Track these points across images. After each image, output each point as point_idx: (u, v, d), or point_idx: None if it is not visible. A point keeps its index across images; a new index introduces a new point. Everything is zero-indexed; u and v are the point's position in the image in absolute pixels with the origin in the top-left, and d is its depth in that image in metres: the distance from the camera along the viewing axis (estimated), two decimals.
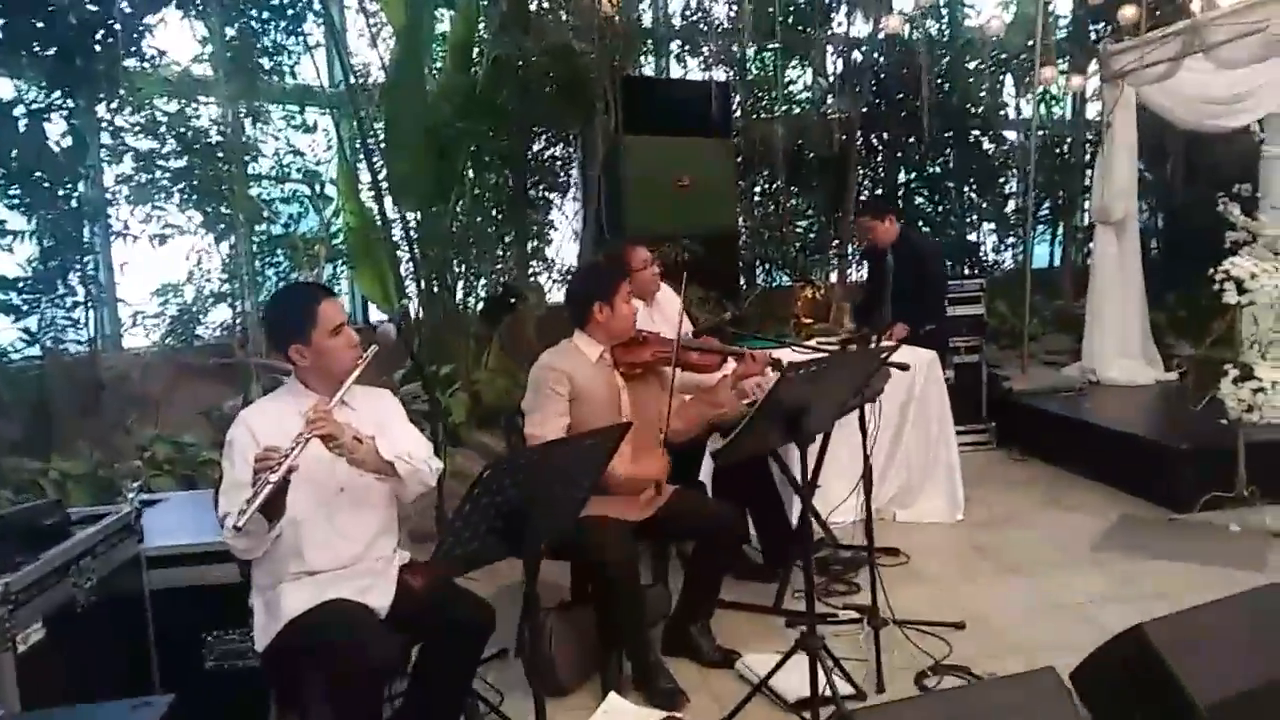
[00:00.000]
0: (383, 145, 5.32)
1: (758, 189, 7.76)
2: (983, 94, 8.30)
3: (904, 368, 3.24)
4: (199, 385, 4.78)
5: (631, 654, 3.10)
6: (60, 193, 3.99)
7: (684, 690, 3.04)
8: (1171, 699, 2.34)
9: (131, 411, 4.52)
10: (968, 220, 8.32)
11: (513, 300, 5.38)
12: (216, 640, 2.83)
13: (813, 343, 3.72)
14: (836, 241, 7.75)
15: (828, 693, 2.83)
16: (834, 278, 8.00)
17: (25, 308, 3.92)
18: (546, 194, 6.39)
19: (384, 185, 5.29)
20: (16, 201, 3.92)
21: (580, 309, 3.28)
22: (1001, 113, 8.22)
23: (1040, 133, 6.93)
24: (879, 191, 8.19)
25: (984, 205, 8.37)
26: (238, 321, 4.85)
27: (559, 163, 6.51)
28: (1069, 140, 8.56)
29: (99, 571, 2.53)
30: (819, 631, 3.41)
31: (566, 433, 3.14)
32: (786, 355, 3.40)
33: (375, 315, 5.91)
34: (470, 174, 5.65)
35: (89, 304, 4.07)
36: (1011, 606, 3.66)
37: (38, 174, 3.81)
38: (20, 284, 3.92)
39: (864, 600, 3.67)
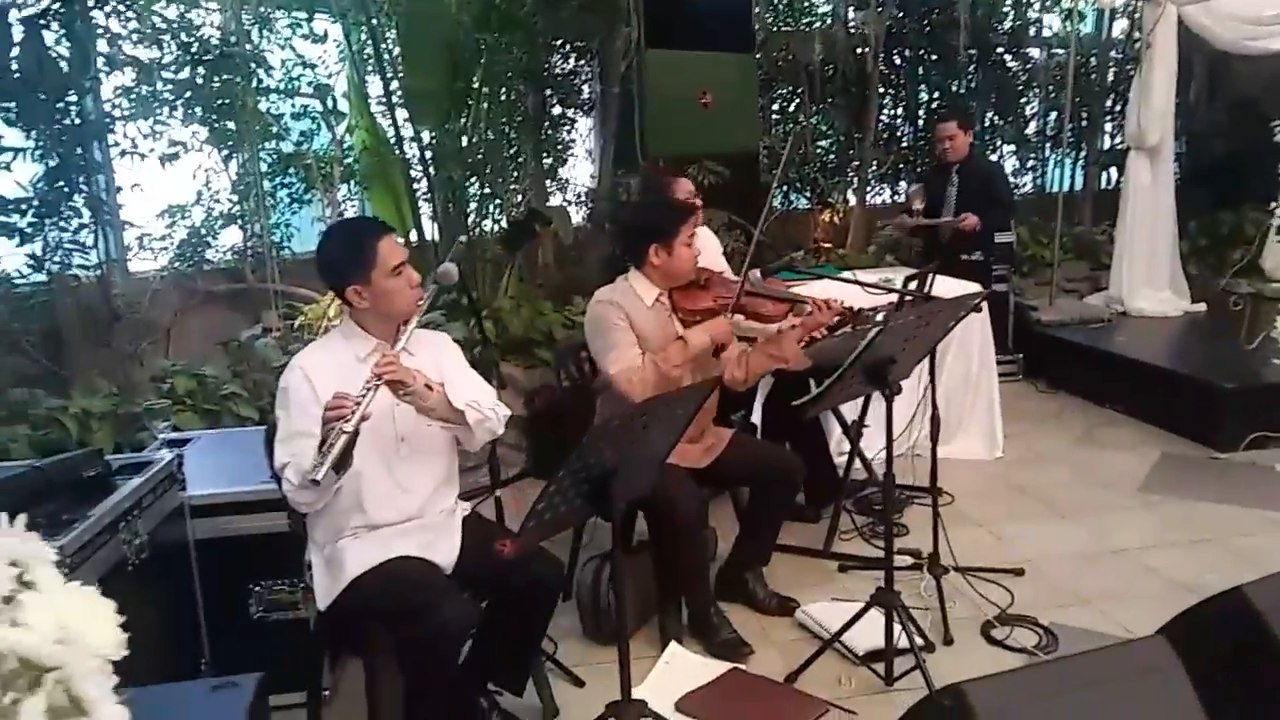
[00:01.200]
0: (396, 58, 5.01)
1: (776, 108, 7.47)
2: (1007, 9, 7.99)
3: (978, 309, 3.07)
4: (210, 312, 4.57)
5: (692, 602, 3.01)
6: (60, 106, 3.70)
7: (747, 642, 2.95)
8: (1276, 665, 2.27)
9: (142, 340, 4.31)
10: (990, 143, 8.07)
11: (536, 225, 5.14)
12: (264, 590, 2.69)
13: (874, 279, 3.55)
14: (857, 163, 7.50)
15: (899, 644, 2.76)
16: (853, 200, 7.77)
17: (29, 230, 3.66)
18: (565, 111, 6.09)
19: (397, 101, 4.99)
20: (14, 117, 3.63)
21: (635, 249, 3.08)
22: (1031, 29, 7.90)
23: (1065, 51, 6.65)
24: (899, 111, 7.91)
25: (1005, 128, 8.11)
26: (249, 245, 4.61)
27: (578, 78, 6.19)
28: (1094, 60, 8.27)
29: (147, 525, 2.38)
30: (874, 576, 3.38)
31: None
32: (849, 291, 3.25)
33: None
34: (486, 90, 5.34)
35: (100, 226, 3.81)
36: (1064, 551, 3.59)
37: (36, 86, 3.51)
38: (22, 205, 3.65)
39: (913, 541, 3.61)
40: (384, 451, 2.40)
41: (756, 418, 3.72)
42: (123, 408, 3.38)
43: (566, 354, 3.37)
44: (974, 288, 4.67)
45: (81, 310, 3.84)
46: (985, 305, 4.75)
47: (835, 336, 3.56)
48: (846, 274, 4.75)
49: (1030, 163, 8.36)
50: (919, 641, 2.84)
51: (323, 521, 2.40)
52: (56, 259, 3.80)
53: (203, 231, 4.48)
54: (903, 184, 7.69)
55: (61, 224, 3.79)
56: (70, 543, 2.00)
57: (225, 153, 4.43)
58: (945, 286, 4.45)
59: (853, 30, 7.13)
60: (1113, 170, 8.23)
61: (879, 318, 3.38)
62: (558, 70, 6.14)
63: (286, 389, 2.36)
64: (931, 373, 3.14)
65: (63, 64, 3.48)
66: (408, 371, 2.25)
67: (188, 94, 4.26)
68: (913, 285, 3.45)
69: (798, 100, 7.28)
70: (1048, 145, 8.21)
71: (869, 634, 2.83)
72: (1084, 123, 8.25)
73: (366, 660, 2.37)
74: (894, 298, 3.32)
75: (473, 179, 5.32)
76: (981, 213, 5.07)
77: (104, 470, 2.36)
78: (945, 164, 5.29)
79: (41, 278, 3.79)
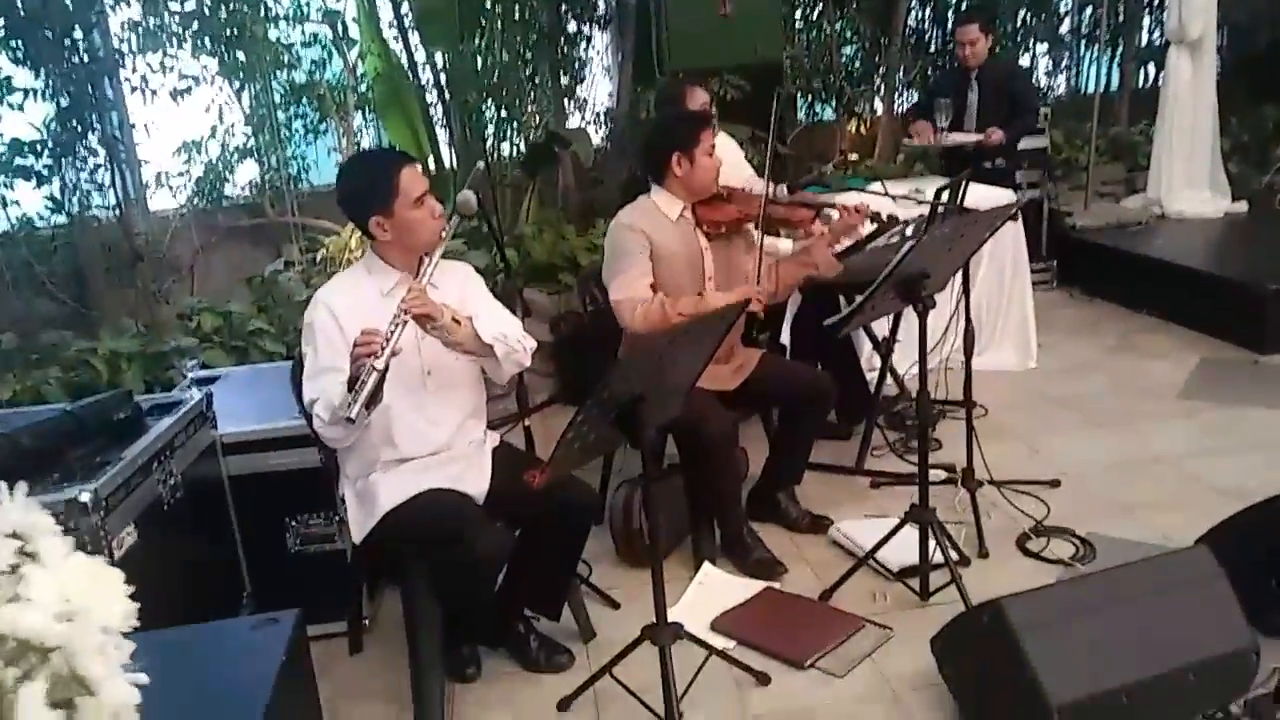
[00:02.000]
0: None
1: (798, 14, 7.20)
2: None
3: (1014, 218, 2.97)
4: (232, 248, 4.54)
5: (725, 523, 3.01)
6: (68, 43, 3.63)
7: (780, 560, 2.95)
8: None
9: (167, 278, 4.31)
10: (1021, 43, 7.76)
11: (556, 148, 5.04)
12: (300, 524, 2.72)
13: (905, 190, 3.44)
14: (883, 70, 7.25)
15: (934, 559, 2.75)
16: (879, 109, 7.54)
17: (45, 172, 3.63)
18: (581, 26, 5.90)
19: (409, 24, 4.85)
20: (22, 56, 3.57)
21: (657, 162, 3.01)
22: None
23: None
24: (929, 12, 7.61)
25: (1037, 26, 7.78)
26: (266, 178, 4.55)
27: None
28: None
29: (180, 465, 2.39)
30: (908, 491, 3.36)
31: (651, 293, 2.94)
32: (881, 203, 3.14)
33: None
34: (499, 8, 5.18)
35: (116, 165, 3.77)
36: (1103, 461, 3.54)
37: (42, 23, 3.44)
38: (37, 146, 3.61)
39: (948, 455, 3.58)
40: (411, 385, 2.39)
41: (785, 338, 3.66)
42: (151, 347, 3.39)
43: (587, 279, 3.31)
44: (1007, 195, 4.55)
45: (104, 251, 3.83)
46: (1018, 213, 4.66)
47: (868, 248, 3.50)
48: (876, 185, 4.63)
49: (1064, 62, 8.03)
50: (954, 556, 2.84)
51: (354, 456, 2.41)
52: (75, 200, 3.78)
53: (220, 167, 4.42)
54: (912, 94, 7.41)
55: (78, 164, 3.75)
56: (105, 485, 2.02)
57: (237, 85, 4.34)
58: (977, 195, 4.34)
59: None
60: (1150, 67, 7.91)
61: (910, 227, 3.32)
62: None
63: (312, 324, 2.35)
64: (965, 284, 3.05)
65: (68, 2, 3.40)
66: (435, 305, 2.22)
67: (195, 25, 4.15)
68: (944, 195, 3.34)
69: (821, 6, 7.01)
70: (1083, 43, 7.87)
71: (903, 550, 2.82)
72: (1120, 18, 7.90)
73: (404, 590, 2.40)
74: (925, 209, 3.21)
75: (489, 102, 5.20)
76: (1006, 121, 4.88)
77: (135, 412, 2.37)
78: (964, 70, 5.06)
79: (62, 220, 3.77)
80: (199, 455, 2.52)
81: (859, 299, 2.39)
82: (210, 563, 2.57)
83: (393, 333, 2.12)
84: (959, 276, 3.07)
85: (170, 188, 4.36)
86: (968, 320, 3.08)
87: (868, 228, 3.13)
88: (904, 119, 5.32)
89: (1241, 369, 4.31)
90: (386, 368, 2.11)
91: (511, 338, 2.38)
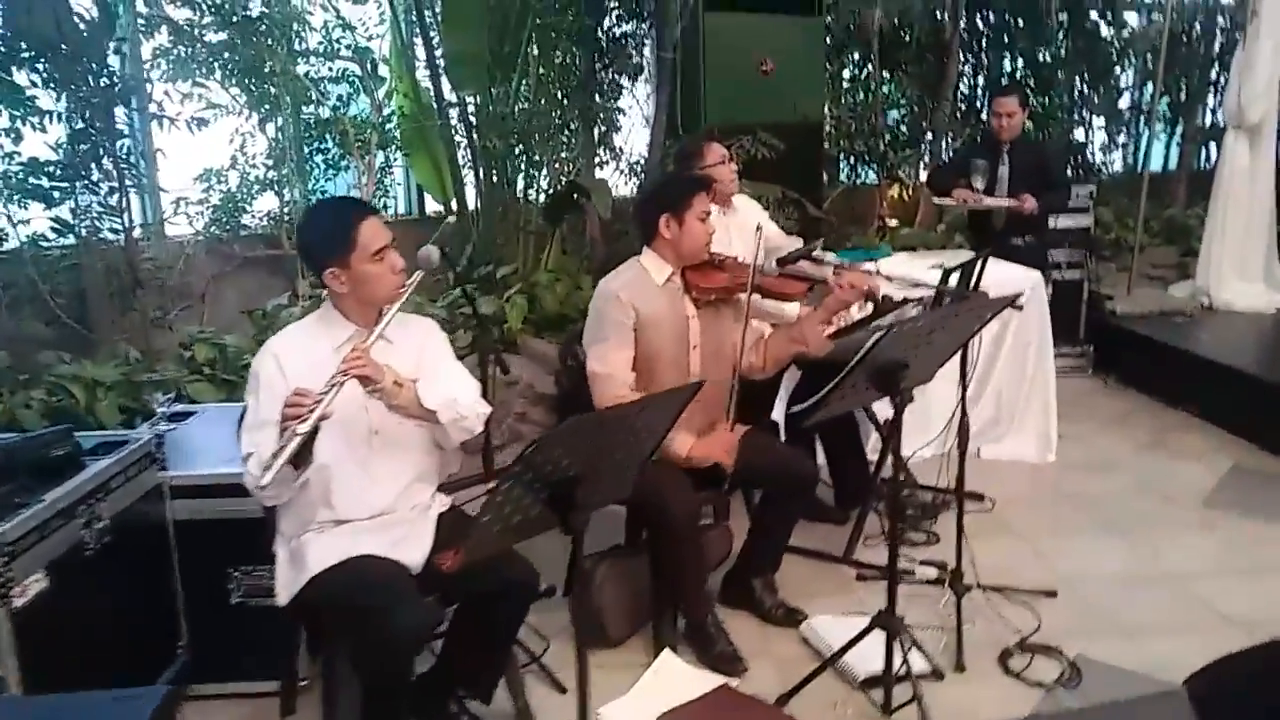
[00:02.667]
0: (440, 20, 4.88)
1: (846, 74, 7.11)
2: None
3: (1018, 307, 2.81)
4: (247, 279, 4.55)
5: (688, 610, 2.86)
6: (92, 67, 3.67)
7: (743, 656, 2.79)
8: None
9: (176, 305, 4.32)
10: (1076, 116, 7.56)
11: (576, 196, 4.99)
12: (244, 575, 2.63)
13: (931, 262, 3.29)
14: (930, 135, 7.11)
15: (903, 670, 2.57)
16: (924, 175, 7.39)
17: (57, 195, 3.66)
18: (617, 77, 5.88)
19: (441, 65, 4.86)
20: (45, 77, 3.62)
21: (647, 222, 2.91)
22: None
23: (1167, 16, 6.13)
24: (981, 80, 7.46)
25: (1095, 100, 7.58)
26: (285, 210, 4.56)
27: (631, 42, 5.96)
28: (1198, 27, 7.65)
29: (113, 508, 2.33)
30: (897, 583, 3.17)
31: (632, 366, 2.83)
32: (881, 277, 3.00)
33: (431, 206, 5.56)
34: (535, 53, 5.18)
35: (124, 190, 3.79)
36: (1108, 571, 3.32)
37: (56, 47, 3.49)
38: (51, 168, 3.65)
39: (943, 552, 3.38)
40: (355, 444, 2.30)
41: (778, 415, 3.51)
42: (136, 375, 3.37)
43: (572, 340, 3.22)
44: (1032, 277, 4.37)
45: (109, 274, 3.84)
46: (1045, 295, 4.45)
47: (870, 327, 3.35)
48: (886, 260, 4.47)
49: (1121, 138, 7.80)
50: (924, 668, 2.65)
51: (290, 513, 2.32)
52: (86, 223, 3.80)
53: (238, 197, 4.45)
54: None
55: (92, 188, 3.78)
56: (12, 529, 1.96)
57: (260, 117, 4.37)
58: (998, 275, 4.16)
59: None
60: (1212, 148, 7.65)
61: (915, 308, 3.17)
62: (614, 33, 5.92)
63: (258, 374, 2.28)
64: (962, 372, 2.88)
65: (82, 25, 3.44)
66: (377, 367, 2.15)
67: (225, 55, 4.19)
68: (953, 277, 3.19)
69: (869, 67, 6.91)
70: (1141, 120, 7.65)
71: (872, 656, 2.64)
72: (1183, 96, 7.67)
73: (323, 659, 2.29)
74: (930, 287, 3.05)
75: (519, 147, 5.17)
76: (1036, 195, 4.72)
77: (74, 449, 2.32)
78: (996, 141, 4.90)
79: (70, 241, 3.80)
80: (140, 498, 2.45)
81: (825, 389, 2.24)
82: (141, 612, 2.49)
83: (325, 394, 2.03)
84: (965, 360, 2.90)
85: (188, 215, 4.38)
86: (963, 411, 2.90)
87: (865, 308, 3.00)
88: (931, 178, 5.19)
89: (1276, 480, 4.04)
90: (316, 431, 2.03)
91: (463, 404, 2.29)
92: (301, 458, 2.08)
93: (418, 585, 2.23)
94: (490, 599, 2.27)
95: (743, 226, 3.81)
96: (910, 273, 2.96)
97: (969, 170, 4.83)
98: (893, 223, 7.02)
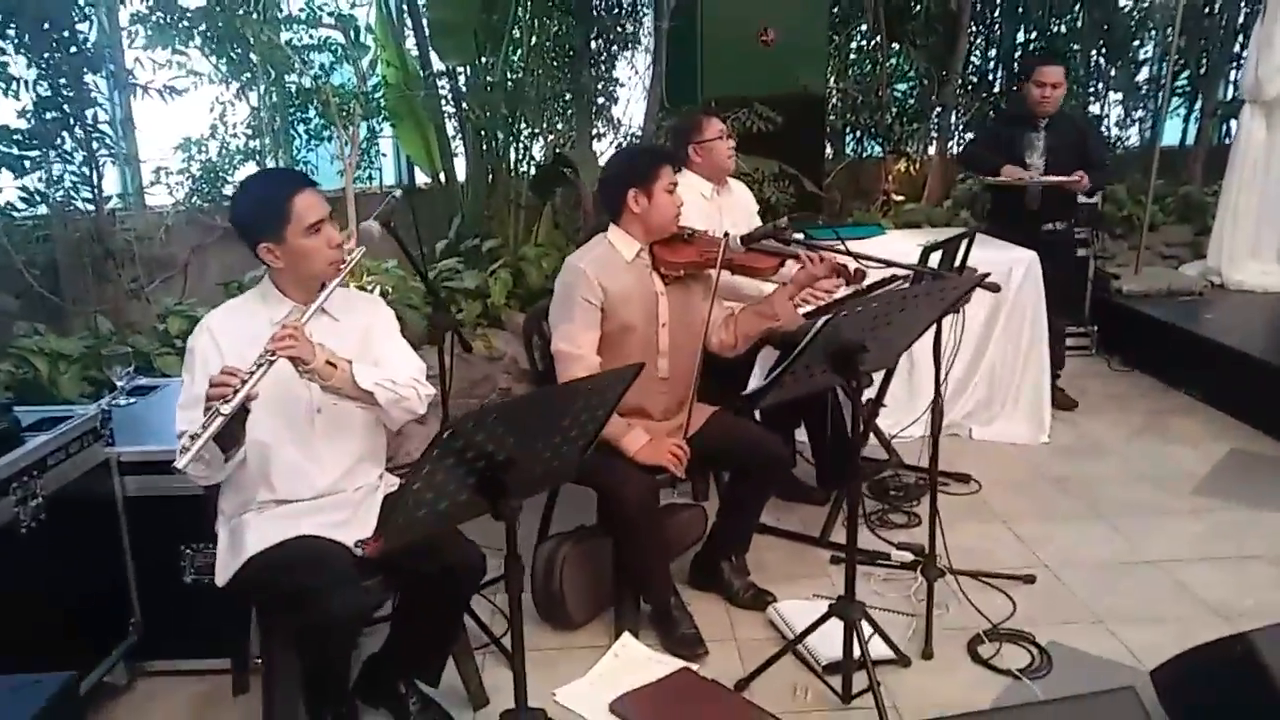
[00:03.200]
0: None
1: (853, 45, 6.93)
2: None
3: (994, 289, 2.70)
4: (227, 250, 4.49)
5: (647, 595, 2.80)
6: (65, 35, 3.61)
7: (704, 640, 2.73)
8: None
9: (157, 276, 4.28)
10: (1092, 90, 7.34)
11: (564, 170, 4.89)
12: (196, 552, 2.59)
13: (921, 240, 3.17)
14: (939, 109, 6.92)
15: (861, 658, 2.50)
16: (932, 150, 7.22)
17: (27, 164, 3.61)
18: (612, 47, 5.75)
19: (428, 33, 4.77)
20: (18, 42, 3.56)
21: (613, 197, 2.83)
22: None
23: None
24: (993, 52, 7.26)
25: (1111, 73, 7.36)
26: None
27: (627, 11, 5.82)
28: (1219, 1, 7.40)
29: (51, 485, 2.29)
30: (869, 572, 3.11)
31: (598, 345, 2.76)
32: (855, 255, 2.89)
33: (421, 179, 5.48)
34: (528, 21, 5.06)
35: (95, 159, 3.74)
36: (1089, 557, 3.23)
37: (23, 10, 3.43)
38: (20, 136, 3.60)
39: (923, 533, 3.29)
40: (296, 422, 2.25)
41: (753, 387, 3.42)
42: (105, 348, 3.33)
43: (537, 317, 3.14)
44: (1025, 255, 4.24)
45: (79, 245, 3.80)
46: (1041, 273, 4.26)
47: (840, 303, 3.25)
48: (876, 237, 4.36)
49: (1138, 113, 7.58)
50: (888, 655, 2.59)
51: (230, 493, 2.28)
52: (59, 194, 3.76)
53: (219, 167, 4.38)
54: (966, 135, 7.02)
55: (65, 156, 3.73)
56: None
57: (240, 85, 4.30)
58: (988, 254, 4.04)
59: None
60: (1232, 124, 7.41)
61: (899, 286, 3.06)
62: (611, 2, 5.78)
63: (193, 350, 2.23)
64: (936, 355, 2.78)
65: None
66: (308, 345, 2.08)
67: (203, 25, 4.12)
68: (935, 257, 3.07)
69: (876, 39, 6.73)
70: (1159, 94, 7.42)
71: (835, 641, 2.57)
72: (1202, 70, 7.43)
73: (263, 641, 2.25)
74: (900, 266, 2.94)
75: (508, 118, 5.07)
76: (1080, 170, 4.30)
77: (11, 425, 2.28)
78: (1033, 115, 4.44)
79: (43, 211, 3.76)
80: (84, 474, 2.41)
81: (775, 371, 2.16)
82: (89, 589, 2.46)
83: (252, 374, 1.97)
84: (950, 338, 2.79)
85: (168, 185, 4.32)
86: (937, 394, 2.81)
87: (848, 288, 2.91)
88: (972, 158, 4.77)
89: (1272, 465, 3.92)
90: (244, 412, 1.98)
91: (402, 383, 2.22)
92: (230, 438, 2.03)
93: (360, 568, 2.17)
94: (433, 582, 2.21)
95: (734, 207, 3.72)
96: (884, 252, 2.85)
97: (1012, 145, 4.44)
98: (898, 198, 6.87)
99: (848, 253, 2.72)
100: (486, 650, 2.74)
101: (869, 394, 3.65)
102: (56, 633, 2.33)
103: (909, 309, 2.26)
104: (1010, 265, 4.15)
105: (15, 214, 3.72)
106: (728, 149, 3.61)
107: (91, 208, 3.83)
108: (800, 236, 2.92)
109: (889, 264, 2.78)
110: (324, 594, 2.03)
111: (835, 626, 2.53)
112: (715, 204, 3.57)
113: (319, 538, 2.19)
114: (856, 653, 2.43)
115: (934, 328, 2.67)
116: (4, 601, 2.13)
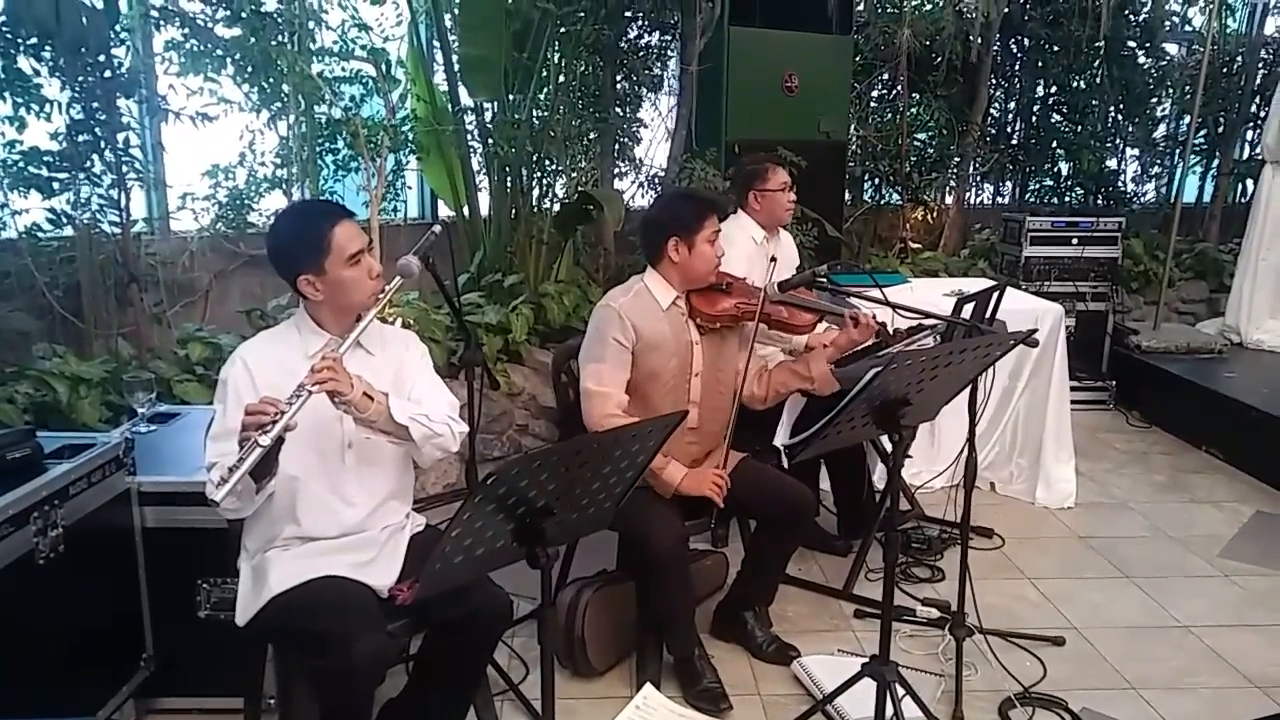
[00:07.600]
0: (458, 25, 4.80)
1: (875, 93, 6.97)
2: None
3: (1033, 344, 2.67)
4: (254, 277, 4.48)
5: (672, 645, 2.73)
6: (97, 59, 3.61)
7: (728, 694, 2.66)
8: None
9: (178, 301, 4.26)
10: (1108, 145, 7.37)
11: (590, 207, 4.88)
12: (213, 587, 2.54)
13: (945, 290, 3.15)
14: (958, 159, 6.94)
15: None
16: (949, 199, 7.23)
17: (56, 185, 3.60)
18: (638, 89, 5.78)
19: (458, 69, 4.78)
20: (50, 66, 3.56)
21: (653, 242, 2.80)
22: (1166, 24, 7.13)
23: (1207, 49, 5.94)
24: (1013, 105, 7.30)
25: (1129, 129, 7.39)
26: None
27: (655, 54, 5.86)
28: (1240, 60, 7.45)
29: (72, 514, 2.24)
30: (895, 628, 3.03)
31: (627, 387, 2.72)
32: (887, 306, 2.86)
33: (444, 212, 5.48)
34: (557, 61, 5.08)
35: (123, 183, 3.72)
36: (1118, 620, 3.17)
37: (55, 37, 3.43)
38: (51, 158, 3.59)
39: (947, 589, 3.25)
40: (327, 458, 2.20)
41: (780, 439, 3.38)
42: (129, 373, 3.29)
43: (567, 355, 3.11)
44: (1053, 308, 4.23)
45: (103, 268, 3.78)
46: (1070, 321, 4.26)
47: (871, 356, 3.22)
48: (901, 285, 4.34)
49: (1154, 169, 7.61)
50: (918, 717, 2.51)
51: (255, 528, 2.23)
52: (86, 216, 3.74)
53: (246, 194, 4.38)
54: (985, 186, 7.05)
55: (94, 179, 3.72)
56: None
57: (270, 114, 4.30)
58: (1017, 305, 4.03)
59: (964, 14, 6.54)
60: (1249, 182, 7.44)
61: (929, 337, 3.03)
62: (639, 45, 5.82)
63: (226, 381, 2.19)
64: (971, 409, 2.75)
65: (83, 14, 3.37)
66: (345, 377, 2.04)
67: (238, 54, 4.13)
68: (967, 308, 3.05)
69: (897, 88, 6.77)
70: (1177, 151, 7.45)
71: (864, 700, 2.51)
72: (1220, 129, 7.47)
73: (280, 683, 2.19)
74: (942, 317, 2.91)
75: (534, 154, 5.08)
76: None
77: (34, 452, 2.23)
78: None
79: (68, 233, 3.74)
80: (105, 504, 2.36)
81: (818, 424, 2.12)
82: (104, 622, 2.40)
83: (290, 404, 1.94)
84: (980, 394, 2.76)
85: (194, 211, 4.32)
86: (970, 448, 2.77)
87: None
88: None
89: None
90: (279, 443, 1.93)
91: (437, 420, 2.18)
92: (264, 469, 1.98)
93: (384, 610, 2.13)
94: (458, 628, 2.16)
95: (780, 256, 3.69)
96: (913, 302, 2.82)
97: None
98: (915, 246, 6.87)
99: (887, 302, 2.69)
100: (505, 697, 2.67)
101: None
102: (68, 666, 2.27)
103: (954, 363, 2.22)
104: (1036, 317, 4.12)
105: (40, 235, 3.69)
106: (788, 201, 3.60)
107: (117, 231, 3.80)
108: (825, 273, 2.87)
109: (930, 316, 2.75)
110: (348, 639, 1.97)
111: (864, 685, 2.48)
112: (764, 250, 3.54)
113: (343, 579, 2.14)
114: (889, 713, 2.36)
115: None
116: (17, 635, 2.07)
